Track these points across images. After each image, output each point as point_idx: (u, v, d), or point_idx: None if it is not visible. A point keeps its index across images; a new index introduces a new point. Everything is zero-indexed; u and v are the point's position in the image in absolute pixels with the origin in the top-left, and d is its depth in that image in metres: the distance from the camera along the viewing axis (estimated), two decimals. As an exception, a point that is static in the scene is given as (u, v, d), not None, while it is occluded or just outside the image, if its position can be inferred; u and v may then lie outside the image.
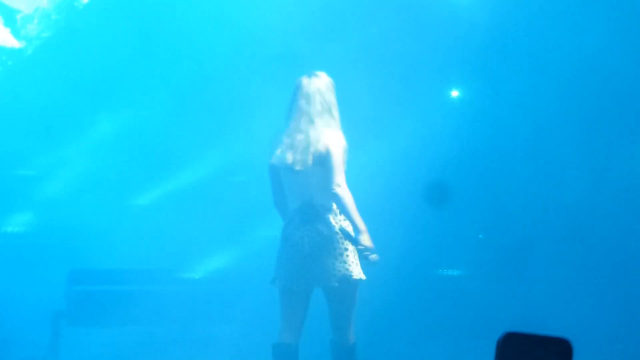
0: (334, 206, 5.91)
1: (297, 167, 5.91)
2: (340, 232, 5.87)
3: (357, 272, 5.94)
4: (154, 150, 9.44)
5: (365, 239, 5.86)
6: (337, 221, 5.91)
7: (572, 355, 1.24)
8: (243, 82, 9.17)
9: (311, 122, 5.94)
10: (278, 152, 6.02)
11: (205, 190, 9.35)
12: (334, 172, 5.82)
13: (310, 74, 6.10)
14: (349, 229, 5.93)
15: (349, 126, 6.20)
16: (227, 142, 9.24)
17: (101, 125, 9.63)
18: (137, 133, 9.51)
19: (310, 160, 5.88)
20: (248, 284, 8.67)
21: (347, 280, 5.90)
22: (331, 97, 6.04)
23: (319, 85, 6.03)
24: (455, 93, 8.76)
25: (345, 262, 5.88)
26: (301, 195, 5.94)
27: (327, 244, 5.85)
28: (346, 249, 5.90)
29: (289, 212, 6.03)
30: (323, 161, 5.87)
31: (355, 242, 5.87)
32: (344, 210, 5.86)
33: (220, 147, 9.27)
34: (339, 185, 5.83)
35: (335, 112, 6.04)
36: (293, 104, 6.02)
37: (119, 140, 9.50)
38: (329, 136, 5.91)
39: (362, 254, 5.87)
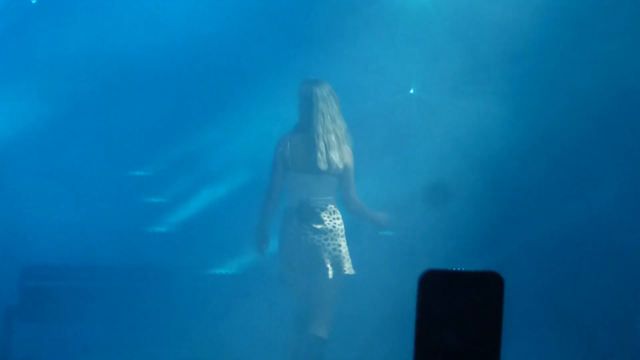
0: (329, 205, 6.43)
1: (333, 165, 6.37)
2: (334, 230, 6.39)
3: (347, 266, 6.44)
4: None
5: (383, 218, 6.72)
6: (332, 219, 6.40)
7: (504, 289, 1.05)
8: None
9: (334, 121, 6.39)
10: (318, 154, 6.38)
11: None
12: (351, 185, 6.48)
13: (312, 81, 6.51)
14: (342, 226, 6.47)
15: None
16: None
17: (50, 126, 9.48)
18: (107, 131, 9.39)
19: (329, 168, 6.38)
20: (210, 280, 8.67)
21: (338, 273, 6.39)
22: (337, 98, 6.50)
23: (329, 88, 6.48)
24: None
25: (337, 257, 6.36)
26: (299, 195, 6.39)
27: (321, 240, 6.35)
28: (339, 245, 6.40)
29: (286, 211, 6.49)
30: (338, 172, 6.43)
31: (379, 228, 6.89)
32: (363, 216, 6.61)
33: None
34: (355, 199, 6.55)
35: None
36: (312, 108, 6.36)
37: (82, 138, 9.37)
38: (348, 150, 6.49)
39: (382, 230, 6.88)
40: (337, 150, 6.37)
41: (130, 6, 9.24)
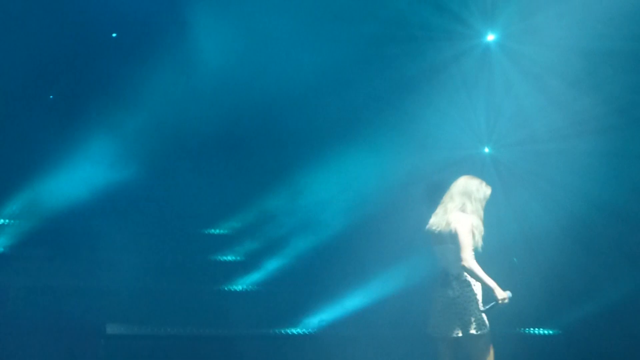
0: (459, 273, 7.66)
1: (439, 240, 7.71)
2: (462, 296, 7.63)
3: (473, 328, 7.65)
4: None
5: (499, 293, 7.57)
6: (462, 287, 7.66)
7: None
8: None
9: (452, 200, 7.81)
10: (432, 229, 7.82)
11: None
12: (461, 249, 7.61)
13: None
14: (471, 294, 7.67)
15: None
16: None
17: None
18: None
19: (446, 237, 7.68)
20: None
21: (464, 334, 7.64)
22: (471, 187, 7.83)
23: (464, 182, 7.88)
24: None
25: (462, 320, 7.65)
26: (439, 264, 7.77)
27: (452, 304, 7.67)
28: (465, 309, 7.66)
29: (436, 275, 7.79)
30: (453, 239, 7.64)
31: (493, 298, 7.59)
32: (475, 278, 7.61)
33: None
34: (465, 260, 7.59)
35: (473, 199, 7.82)
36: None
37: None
38: (458, 219, 7.69)
39: (499, 304, 7.57)
40: (449, 221, 7.69)
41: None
